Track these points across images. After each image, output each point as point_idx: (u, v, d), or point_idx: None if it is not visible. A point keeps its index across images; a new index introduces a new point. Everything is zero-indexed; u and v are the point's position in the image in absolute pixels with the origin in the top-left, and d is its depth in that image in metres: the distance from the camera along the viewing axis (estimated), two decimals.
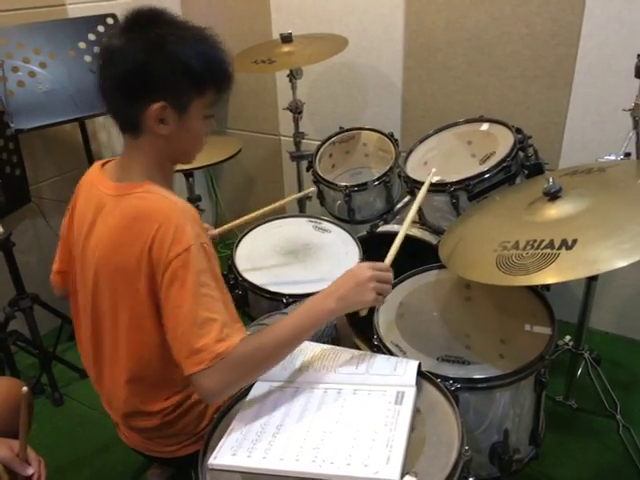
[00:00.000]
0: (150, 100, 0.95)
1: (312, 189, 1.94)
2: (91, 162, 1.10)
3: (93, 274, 1.05)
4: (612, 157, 1.48)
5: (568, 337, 1.76)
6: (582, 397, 1.75)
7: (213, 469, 0.89)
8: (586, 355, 1.71)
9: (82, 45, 1.99)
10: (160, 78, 0.94)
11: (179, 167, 2.00)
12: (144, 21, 0.95)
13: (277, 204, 1.66)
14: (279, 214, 1.93)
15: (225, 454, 0.90)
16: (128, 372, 1.07)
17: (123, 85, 0.96)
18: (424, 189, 1.42)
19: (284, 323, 0.99)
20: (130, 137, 1.03)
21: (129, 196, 1.00)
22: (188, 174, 2.16)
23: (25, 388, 0.94)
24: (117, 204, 1.01)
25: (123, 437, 1.21)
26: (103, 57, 0.97)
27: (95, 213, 1.04)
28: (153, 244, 0.94)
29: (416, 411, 0.96)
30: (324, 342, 1.40)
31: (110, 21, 2.05)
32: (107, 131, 2.44)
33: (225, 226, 1.59)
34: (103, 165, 1.12)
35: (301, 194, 1.98)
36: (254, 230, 1.84)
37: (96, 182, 1.08)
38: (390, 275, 1.11)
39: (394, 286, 1.48)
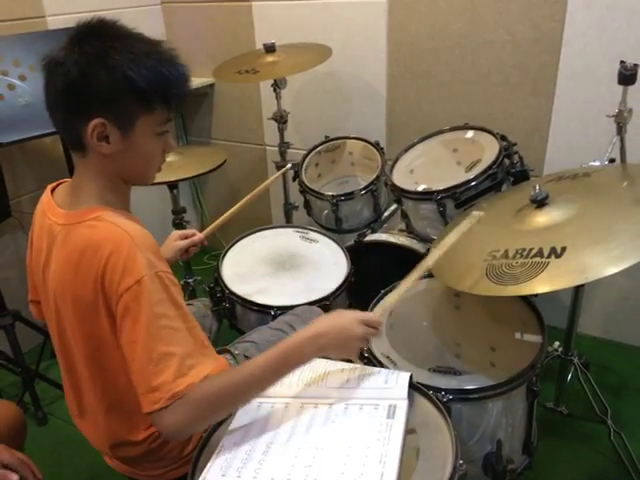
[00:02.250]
0: (90, 116, 0.90)
1: (289, 165, 1.88)
2: (73, 175, 1.06)
3: (54, 306, 1.01)
4: (597, 163, 1.48)
5: (557, 343, 1.76)
6: (572, 403, 1.75)
7: None
8: (575, 360, 1.71)
9: None
10: (99, 93, 0.88)
11: (164, 179, 2.01)
12: (89, 33, 0.90)
13: (257, 190, 1.59)
14: (265, 224, 1.91)
15: (214, 475, 0.87)
16: (105, 401, 1.04)
17: (62, 100, 0.91)
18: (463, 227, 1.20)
19: (256, 364, 0.92)
20: (79, 156, 0.97)
21: (78, 225, 0.94)
22: (172, 186, 2.13)
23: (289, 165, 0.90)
24: (67, 234, 0.95)
25: (109, 461, 1.18)
26: (45, 70, 0.91)
27: (49, 244, 0.99)
28: (104, 276, 0.89)
29: (409, 426, 0.94)
30: None
31: None
32: None
33: (209, 227, 1.54)
34: (54, 189, 1.05)
35: (280, 173, 1.86)
36: (241, 241, 1.82)
37: (46, 210, 1.02)
38: (380, 331, 1.05)
39: (384, 295, 1.47)
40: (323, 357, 1.05)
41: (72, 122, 0.92)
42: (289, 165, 1.86)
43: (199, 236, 1.47)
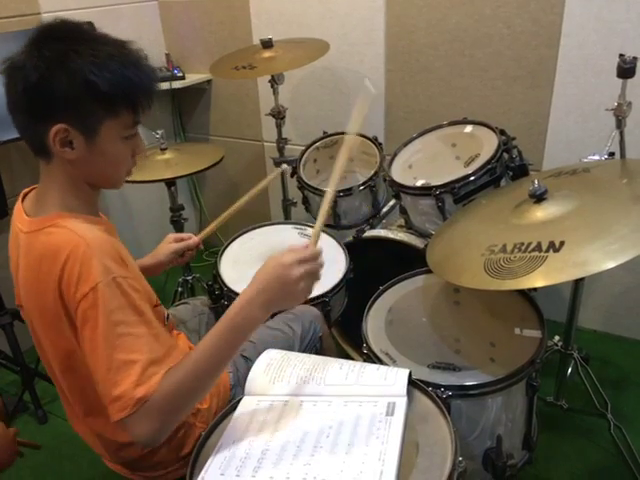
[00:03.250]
0: (51, 121, 0.87)
1: (284, 166, 1.86)
2: None
3: (26, 316, 1.01)
4: (596, 157, 1.47)
5: (557, 337, 1.76)
6: (572, 397, 1.75)
7: None
8: (575, 355, 1.71)
9: None
10: (60, 98, 0.86)
11: (162, 176, 2.01)
12: (50, 36, 0.88)
13: (253, 191, 1.56)
14: (264, 221, 1.90)
15: (213, 474, 0.87)
16: (82, 407, 1.04)
17: (22, 104, 0.88)
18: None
19: (204, 345, 0.89)
20: (43, 162, 0.95)
21: (38, 232, 0.92)
22: (170, 183, 2.12)
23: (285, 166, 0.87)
24: (29, 242, 0.93)
25: (108, 463, 1.18)
26: (5, 74, 0.89)
27: (17, 252, 0.97)
28: (61, 284, 0.87)
29: (408, 423, 0.94)
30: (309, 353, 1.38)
31: None
32: None
33: (205, 230, 1.52)
34: (25, 196, 1.03)
35: (275, 173, 1.80)
36: (239, 238, 1.81)
37: (15, 217, 1.00)
38: (320, 262, 0.95)
39: (383, 292, 1.47)
40: (275, 313, 0.99)
41: (34, 127, 0.90)
42: (284, 166, 1.82)
43: (194, 240, 1.44)
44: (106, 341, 0.85)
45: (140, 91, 0.92)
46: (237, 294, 1.54)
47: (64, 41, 0.87)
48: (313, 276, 0.93)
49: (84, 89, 0.86)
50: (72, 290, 0.86)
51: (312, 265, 0.93)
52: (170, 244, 1.41)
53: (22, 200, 1.02)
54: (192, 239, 1.44)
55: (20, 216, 0.99)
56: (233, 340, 0.90)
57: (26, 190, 1.05)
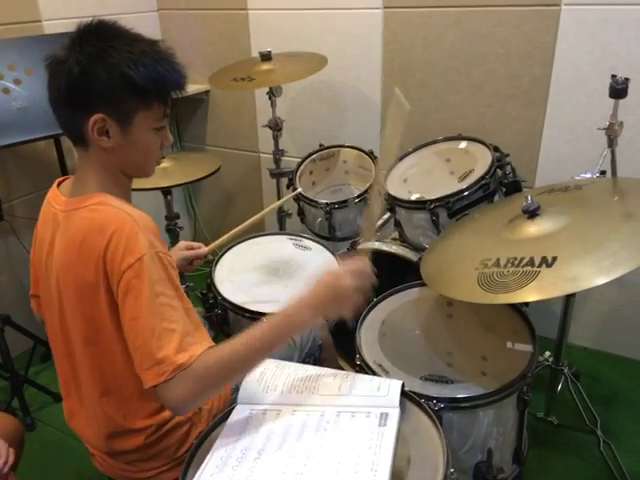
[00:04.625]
0: (90, 112, 0.94)
1: (299, 189, 1.88)
2: None
3: (56, 291, 1.03)
4: (588, 175, 1.50)
5: (548, 353, 1.77)
6: (563, 413, 1.76)
7: None
8: (566, 371, 1.72)
9: None
10: (99, 89, 0.93)
11: (158, 184, 2.01)
12: (90, 33, 0.95)
13: (267, 209, 1.68)
14: (259, 231, 1.91)
15: None
16: (99, 385, 1.05)
17: (64, 96, 0.95)
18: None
19: (255, 333, 0.96)
20: (81, 151, 1.02)
21: (81, 209, 0.98)
22: (166, 192, 2.13)
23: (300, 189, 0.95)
24: (69, 219, 0.99)
25: (99, 465, 1.17)
26: (48, 69, 0.96)
27: (53, 231, 1.03)
28: (106, 256, 0.92)
29: (400, 435, 0.94)
30: (307, 362, 1.39)
31: None
32: None
33: (215, 242, 1.57)
34: (60, 183, 1.10)
35: (290, 195, 1.88)
36: (233, 248, 1.82)
37: (51, 200, 1.07)
38: (370, 276, 1.07)
39: (377, 304, 1.48)
40: (324, 317, 1.06)
41: (74, 118, 0.97)
42: (300, 189, 1.86)
43: (204, 250, 1.50)
44: (150, 308, 0.90)
45: (171, 85, 0.99)
46: (231, 303, 1.56)
47: (103, 38, 0.94)
48: (364, 289, 1.03)
49: (121, 82, 0.93)
50: (117, 261, 0.91)
51: (363, 280, 1.04)
52: (181, 251, 1.47)
53: (57, 187, 1.09)
54: (202, 249, 1.49)
55: (57, 198, 1.05)
56: (279, 337, 0.98)
57: (60, 179, 1.11)
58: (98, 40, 0.93)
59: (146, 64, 0.94)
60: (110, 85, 0.93)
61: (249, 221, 1.60)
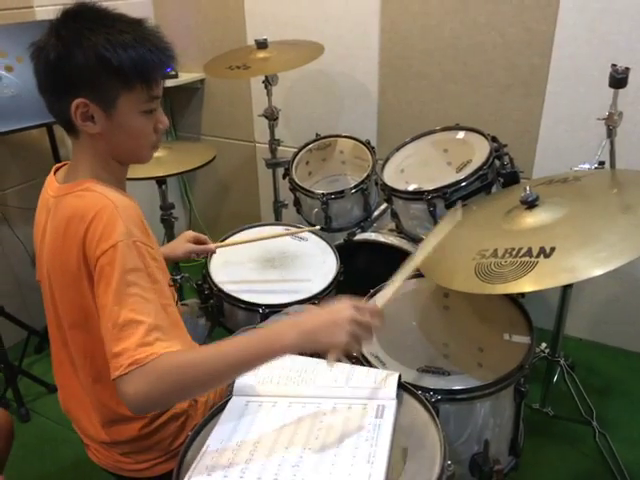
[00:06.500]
0: (71, 96, 0.92)
1: (317, 227, 1.81)
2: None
3: (47, 278, 1.03)
4: (586, 166, 1.49)
5: (544, 344, 1.77)
6: (558, 404, 1.76)
7: None
8: (562, 362, 1.72)
9: None
10: (77, 74, 0.91)
11: (152, 174, 1.99)
12: (68, 17, 0.93)
13: (294, 231, 1.75)
14: (255, 222, 1.89)
15: (200, 474, 0.86)
16: (92, 371, 1.04)
17: (45, 81, 0.95)
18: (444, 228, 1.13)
19: (233, 344, 0.88)
20: (72, 138, 1.01)
21: (68, 195, 0.97)
22: (161, 181, 2.11)
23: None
24: (58, 205, 0.98)
25: (93, 456, 1.16)
26: (31, 55, 0.95)
27: (46, 217, 1.02)
28: (85, 242, 0.91)
29: (397, 427, 0.94)
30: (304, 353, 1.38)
31: None
32: None
33: (224, 242, 1.62)
34: (58, 169, 1.09)
35: (310, 228, 1.82)
36: (230, 238, 1.80)
37: (46, 186, 1.06)
38: (375, 322, 0.93)
39: (373, 295, 1.46)
40: (310, 344, 0.92)
41: (58, 104, 0.95)
42: (318, 227, 1.81)
43: (212, 246, 1.52)
44: (116, 297, 0.86)
45: (153, 65, 0.95)
46: (227, 294, 1.55)
47: (80, 21, 0.92)
48: (364, 328, 0.91)
49: (99, 64, 0.91)
50: (93, 247, 0.89)
51: (365, 318, 0.91)
52: (189, 243, 1.47)
53: (54, 173, 1.07)
54: (210, 245, 1.51)
55: (51, 184, 1.04)
56: (257, 355, 0.88)
57: (58, 165, 1.09)
58: (75, 23, 0.92)
59: (125, 44, 0.91)
60: (88, 68, 0.91)
61: (267, 235, 1.68)
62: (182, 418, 1.10)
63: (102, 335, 0.90)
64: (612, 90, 1.39)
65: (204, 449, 0.91)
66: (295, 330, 0.89)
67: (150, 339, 0.84)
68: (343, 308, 0.91)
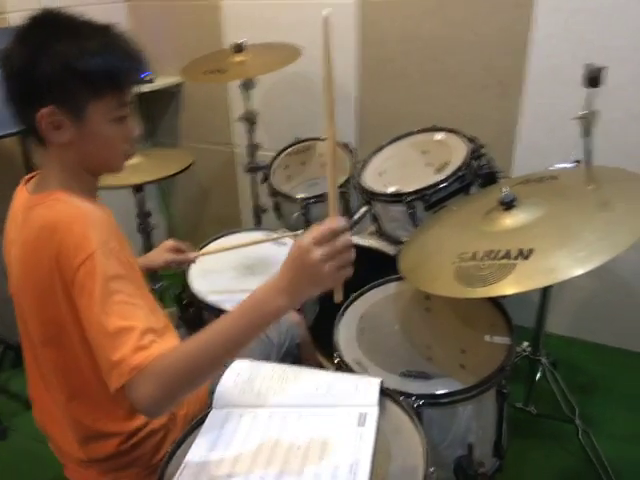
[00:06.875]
0: (38, 105, 0.90)
1: (300, 232, 1.80)
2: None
3: (17, 292, 1.00)
4: (563, 165, 1.50)
5: (526, 343, 1.77)
6: (541, 402, 1.77)
7: None
8: (543, 360, 1.73)
9: None
10: (43, 82, 0.89)
11: (129, 182, 1.96)
12: (35, 24, 0.91)
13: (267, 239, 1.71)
14: (234, 227, 1.87)
15: None
16: (65, 389, 1.01)
17: (11, 90, 0.92)
18: None
19: (222, 325, 0.84)
20: (41, 149, 0.97)
21: (38, 206, 0.94)
22: (138, 188, 2.07)
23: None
24: (28, 216, 0.96)
25: (71, 477, 1.13)
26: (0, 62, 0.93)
27: (15, 230, 1.00)
28: (59, 254, 0.88)
29: (380, 433, 0.93)
30: (285, 361, 1.36)
31: None
32: None
33: (204, 250, 1.60)
34: (29, 180, 1.06)
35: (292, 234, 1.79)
36: (208, 246, 1.78)
37: (16, 197, 1.04)
38: (344, 239, 0.82)
39: (355, 299, 1.46)
40: (300, 299, 0.86)
41: (24, 114, 0.93)
42: (300, 232, 1.78)
43: (192, 255, 1.51)
44: (102, 307, 0.84)
45: (120, 72, 0.93)
46: (207, 305, 1.52)
47: (46, 28, 0.91)
48: (339, 256, 0.82)
49: (65, 72, 0.89)
50: (69, 259, 0.87)
51: (333, 244, 0.81)
52: (167, 253, 1.45)
53: (25, 184, 1.04)
54: (191, 254, 1.50)
55: (22, 195, 1.02)
56: (251, 328, 0.84)
57: (29, 175, 1.06)
58: (41, 30, 0.90)
59: (92, 51, 0.90)
60: (54, 76, 0.88)
61: (244, 243, 1.65)
62: (161, 433, 1.08)
63: (82, 351, 0.90)
64: (587, 89, 1.40)
65: (184, 464, 0.89)
66: (282, 295, 0.83)
67: (145, 342, 0.83)
68: (308, 253, 0.81)
